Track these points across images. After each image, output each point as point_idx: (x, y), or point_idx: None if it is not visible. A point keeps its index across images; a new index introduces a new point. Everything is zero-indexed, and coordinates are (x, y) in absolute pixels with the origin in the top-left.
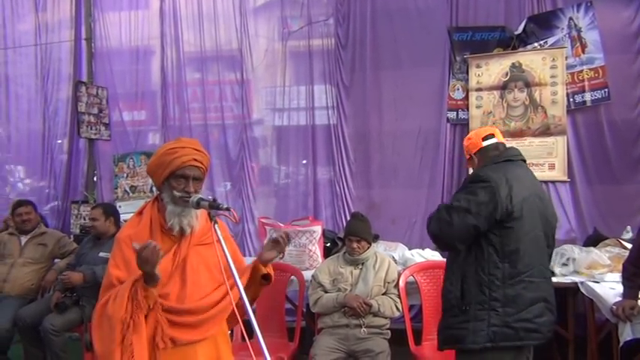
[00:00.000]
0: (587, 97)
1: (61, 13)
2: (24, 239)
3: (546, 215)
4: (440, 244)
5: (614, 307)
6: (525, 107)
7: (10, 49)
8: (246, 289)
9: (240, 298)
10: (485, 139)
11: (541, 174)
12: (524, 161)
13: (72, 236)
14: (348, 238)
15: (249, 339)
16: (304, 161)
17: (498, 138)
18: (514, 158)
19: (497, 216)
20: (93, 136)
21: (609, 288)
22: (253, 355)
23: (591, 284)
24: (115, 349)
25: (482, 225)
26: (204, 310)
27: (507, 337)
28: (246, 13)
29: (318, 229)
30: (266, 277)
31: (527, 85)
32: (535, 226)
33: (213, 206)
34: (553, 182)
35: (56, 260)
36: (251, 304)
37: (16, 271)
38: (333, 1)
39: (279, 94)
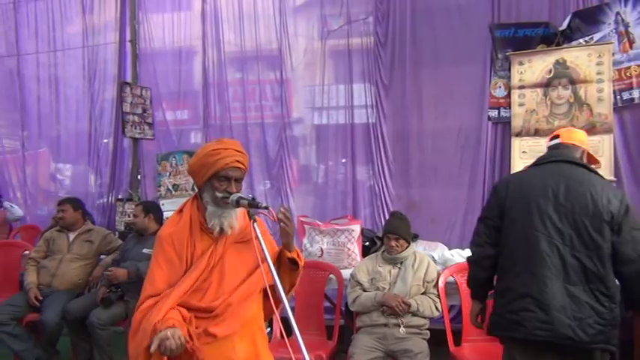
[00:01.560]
0: (635, 94)
1: (107, 15)
2: (72, 236)
3: (573, 215)
4: (479, 256)
5: None
6: (570, 105)
7: (59, 51)
8: (281, 276)
9: (278, 296)
10: (550, 140)
11: None
12: (568, 161)
13: (117, 233)
14: (387, 236)
15: (288, 336)
16: (343, 160)
17: (562, 139)
18: (539, 162)
19: (499, 214)
20: (137, 136)
21: None
22: (292, 353)
23: None
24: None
25: (497, 223)
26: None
27: (501, 327)
28: (286, 12)
29: (356, 227)
30: (293, 262)
31: (572, 82)
32: (531, 224)
33: (253, 205)
34: None
35: (102, 256)
36: (290, 290)
37: (65, 267)
38: (373, 0)
39: (319, 93)
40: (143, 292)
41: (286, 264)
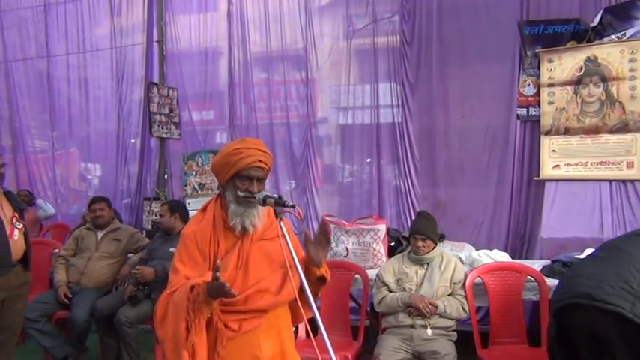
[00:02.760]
0: None
1: (135, 17)
2: (100, 234)
3: None
4: None
5: None
6: (601, 103)
7: (88, 52)
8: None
9: (304, 293)
10: None
11: (618, 173)
12: None
13: (144, 232)
14: (414, 237)
15: (314, 336)
16: (368, 159)
17: None
18: None
19: None
20: (164, 136)
21: None
22: (318, 352)
23: None
24: (182, 332)
25: None
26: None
27: None
28: (312, 12)
29: (382, 227)
30: (322, 279)
31: (604, 79)
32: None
33: (279, 204)
34: (631, 182)
35: (130, 254)
36: (314, 298)
37: (93, 265)
38: None
39: (344, 92)
40: (169, 285)
41: (313, 280)
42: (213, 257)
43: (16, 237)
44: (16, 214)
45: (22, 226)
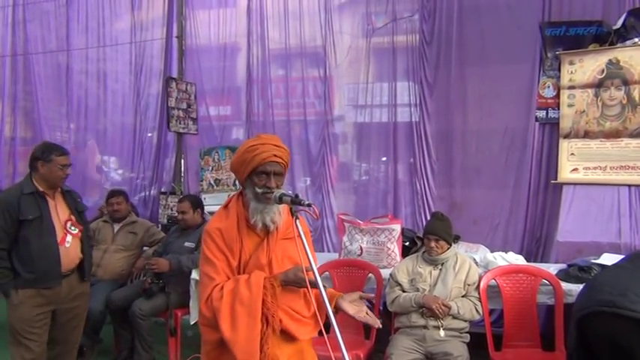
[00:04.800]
0: None
1: (155, 11)
2: (116, 227)
3: None
4: None
5: None
6: (622, 106)
7: (108, 46)
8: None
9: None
10: None
11: (638, 178)
12: None
13: (159, 226)
14: (427, 237)
15: (327, 334)
16: (384, 158)
17: None
18: None
19: None
20: (181, 130)
21: None
22: (331, 351)
23: None
24: (256, 337)
25: None
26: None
27: None
28: (331, 9)
29: (397, 227)
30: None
31: (626, 82)
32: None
33: (295, 202)
34: None
35: (145, 248)
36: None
37: (109, 257)
38: None
39: (362, 90)
40: (210, 282)
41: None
42: (240, 255)
43: (68, 244)
44: (73, 217)
45: (77, 230)
